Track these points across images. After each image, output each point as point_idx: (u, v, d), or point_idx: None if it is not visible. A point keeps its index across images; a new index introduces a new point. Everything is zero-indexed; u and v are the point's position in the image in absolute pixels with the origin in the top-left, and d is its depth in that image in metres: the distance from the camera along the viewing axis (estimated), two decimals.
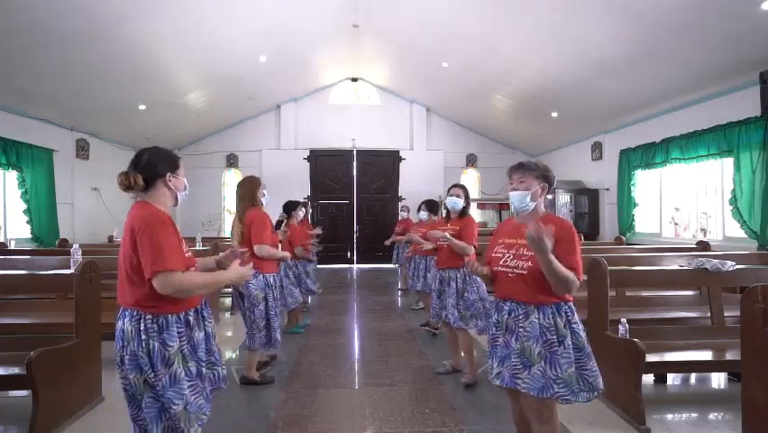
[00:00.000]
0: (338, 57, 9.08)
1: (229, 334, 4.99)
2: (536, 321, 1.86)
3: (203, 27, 5.90)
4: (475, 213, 10.09)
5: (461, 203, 3.41)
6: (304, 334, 4.81)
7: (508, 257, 1.97)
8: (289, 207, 4.99)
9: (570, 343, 1.83)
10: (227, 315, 5.85)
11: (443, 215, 3.69)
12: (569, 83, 6.65)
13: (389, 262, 9.50)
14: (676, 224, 6.82)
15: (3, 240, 5.89)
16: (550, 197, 2.11)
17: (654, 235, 7.00)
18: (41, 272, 3.32)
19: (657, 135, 6.50)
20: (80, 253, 3.73)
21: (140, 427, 1.67)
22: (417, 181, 10.52)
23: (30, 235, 6.37)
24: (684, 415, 2.92)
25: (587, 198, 8.38)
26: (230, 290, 5.21)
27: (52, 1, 4.40)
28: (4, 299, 4.05)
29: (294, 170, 10.45)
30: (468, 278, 3.33)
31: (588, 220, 8.29)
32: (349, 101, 10.78)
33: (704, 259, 3.26)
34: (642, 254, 4.48)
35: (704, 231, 6.27)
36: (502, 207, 10.69)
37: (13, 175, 6.23)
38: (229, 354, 4.16)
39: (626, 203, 7.21)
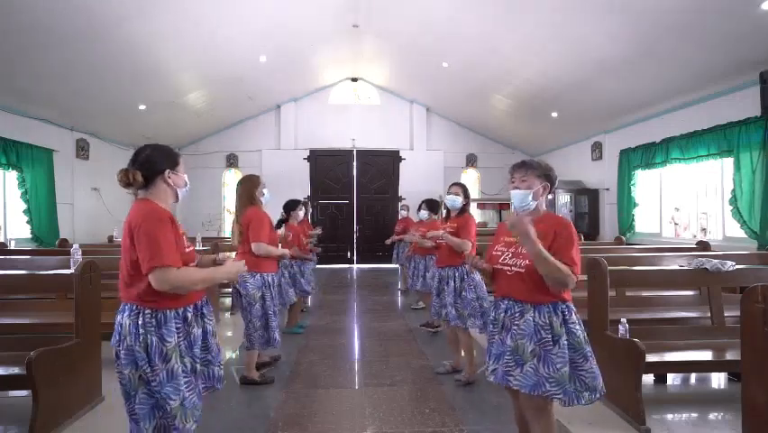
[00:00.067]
0: (338, 57, 9.08)
1: (229, 334, 4.99)
2: (531, 319, 1.86)
3: (203, 27, 5.90)
4: (475, 213, 10.09)
5: (459, 201, 3.42)
6: (304, 334, 4.81)
7: (507, 255, 1.98)
8: (289, 207, 4.99)
9: (565, 343, 1.82)
10: (227, 315, 5.85)
11: (444, 214, 3.71)
12: (569, 83, 6.65)
13: (389, 262, 9.50)
14: (676, 224, 6.82)
15: (3, 240, 5.89)
16: (550, 196, 2.10)
17: (654, 235, 7.00)
18: (41, 272, 3.32)
19: (657, 135, 6.50)
20: (80, 253, 3.73)
21: (136, 422, 1.67)
22: (417, 181, 10.52)
23: (30, 235, 6.37)
24: (684, 415, 2.92)
25: (587, 198, 8.38)
26: (230, 289, 5.20)
27: (52, 1, 4.40)
28: (4, 299, 4.04)
29: (294, 170, 10.45)
30: (466, 277, 3.34)
31: (588, 220, 8.29)
32: (349, 101, 10.78)
33: (704, 259, 3.25)
34: (642, 254, 4.48)
35: (704, 231, 6.27)
36: (502, 206, 10.69)
37: (13, 175, 6.23)
38: (229, 355, 4.16)
39: (626, 203, 7.21)
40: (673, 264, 3.90)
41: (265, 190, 3.43)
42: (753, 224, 4.91)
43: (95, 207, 7.92)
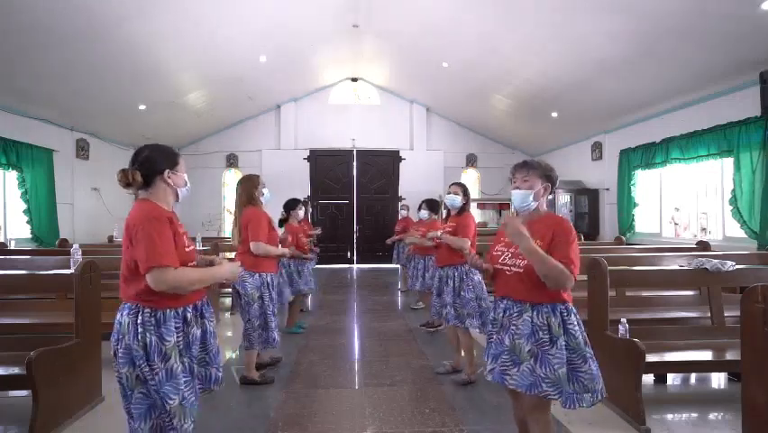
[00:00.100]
0: (338, 57, 9.08)
1: (229, 334, 4.99)
2: (529, 319, 1.86)
3: (203, 27, 5.90)
4: (475, 213, 10.08)
5: (459, 200, 3.43)
6: (304, 334, 4.81)
7: (507, 255, 1.98)
8: (289, 206, 4.99)
9: (563, 344, 1.82)
10: (227, 315, 5.86)
11: (444, 215, 3.72)
12: (569, 83, 6.65)
13: (389, 262, 9.51)
14: (676, 224, 6.82)
15: (3, 240, 5.90)
16: (550, 197, 2.11)
17: (654, 235, 7.00)
18: (41, 272, 3.31)
19: (657, 135, 6.50)
20: (80, 253, 3.74)
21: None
22: (417, 181, 10.52)
23: (30, 235, 6.37)
24: (684, 415, 2.92)
25: (587, 198, 8.38)
26: (230, 289, 5.21)
27: (52, 1, 4.40)
28: (4, 299, 4.04)
29: (294, 170, 10.45)
30: (465, 276, 3.35)
31: (588, 220, 8.29)
32: (349, 101, 10.78)
33: (704, 259, 3.25)
34: (642, 254, 4.49)
35: (704, 231, 6.27)
36: (502, 206, 10.70)
37: (13, 175, 6.23)
38: (229, 355, 4.16)
39: (626, 203, 7.21)
40: (673, 264, 3.90)
41: (265, 190, 3.43)
42: (753, 224, 4.91)
43: (95, 207, 7.92)
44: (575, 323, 1.87)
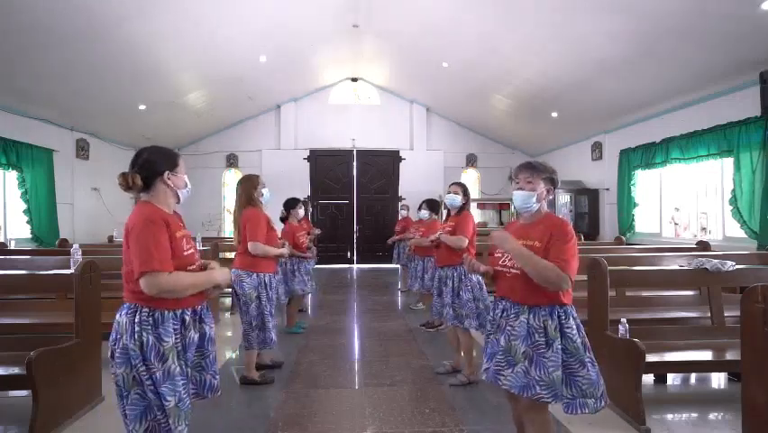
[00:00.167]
0: (338, 57, 9.08)
1: (229, 334, 4.99)
2: (525, 321, 1.86)
3: (203, 27, 5.90)
4: (475, 213, 10.08)
5: (458, 200, 3.44)
6: (304, 334, 4.81)
7: (507, 257, 1.99)
8: (289, 205, 4.98)
9: (559, 347, 1.81)
10: (227, 315, 5.86)
11: (444, 215, 3.73)
12: (569, 83, 6.65)
13: (389, 262, 9.51)
14: (676, 224, 6.82)
15: (3, 240, 5.89)
16: (551, 197, 2.12)
17: (654, 235, 7.00)
18: (41, 272, 3.32)
19: (657, 135, 6.50)
20: (80, 253, 3.74)
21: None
22: (417, 181, 10.52)
23: (30, 235, 6.37)
24: (684, 415, 2.92)
25: (587, 198, 8.38)
26: (230, 290, 5.20)
27: (52, 1, 4.40)
28: (4, 299, 4.04)
29: (294, 170, 10.45)
30: (464, 277, 3.35)
31: (588, 220, 8.29)
32: (349, 101, 10.78)
33: (704, 259, 3.25)
34: (642, 254, 4.49)
35: (704, 231, 6.27)
36: (502, 206, 10.70)
37: (13, 175, 6.23)
38: (229, 355, 4.16)
39: (625, 203, 7.21)
40: (673, 264, 3.90)
41: (264, 190, 3.43)
42: (753, 224, 4.91)
43: (95, 207, 7.92)
44: (573, 326, 1.86)
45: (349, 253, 10.85)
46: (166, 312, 1.67)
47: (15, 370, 2.64)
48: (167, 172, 1.78)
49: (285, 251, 3.61)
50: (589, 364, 1.82)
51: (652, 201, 7.10)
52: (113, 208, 8.03)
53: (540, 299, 1.86)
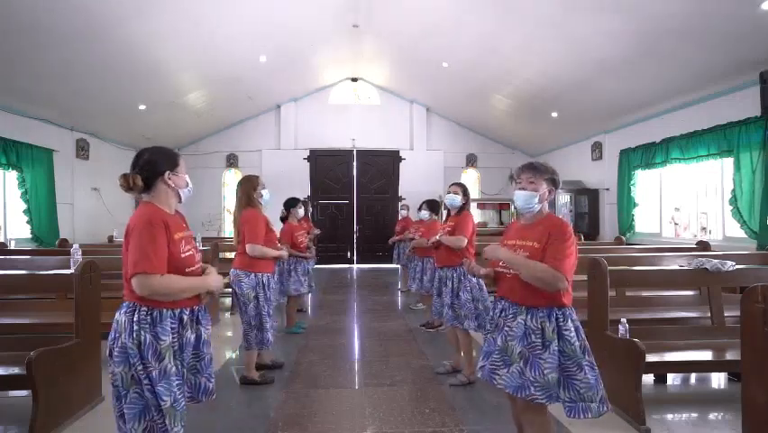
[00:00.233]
0: (338, 57, 9.08)
1: (229, 334, 4.99)
2: (522, 322, 1.86)
3: (203, 27, 5.90)
4: (475, 213, 10.08)
5: (458, 200, 3.45)
6: (304, 334, 4.80)
7: None
8: (289, 205, 4.98)
9: (556, 349, 1.81)
10: (227, 315, 5.85)
11: (444, 215, 3.73)
12: (569, 83, 6.65)
13: (389, 262, 9.51)
14: (676, 224, 6.82)
15: (3, 240, 5.89)
16: (552, 198, 2.12)
17: (654, 235, 7.00)
18: (41, 272, 3.32)
19: (657, 135, 6.50)
20: (80, 253, 3.74)
21: (124, 422, 1.65)
22: (417, 181, 10.52)
23: (30, 235, 6.37)
24: (684, 415, 2.92)
25: (587, 198, 8.38)
26: (230, 289, 5.20)
27: (52, 1, 4.40)
28: (4, 299, 4.04)
29: (294, 170, 10.45)
30: (463, 278, 3.35)
31: (588, 220, 8.29)
32: (349, 101, 10.78)
33: (704, 259, 3.25)
34: (642, 254, 4.49)
35: (704, 231, 6.27)
36: (502, 206, 10.70)
37: (13, 175, 6.23)
38: (229, 355, 4.16)
39: (625, 203, 7.21)
40: (673, 264, 3.90)
41: (264, 191, 3.43)
42: (753, 224, 4.91)
43: (95, 207, 7.91)
44: (572, 329, 1.85)
45: (349, 253, 10.84)
46: (164, 311, 1.68)
47: (15, 370, 2.64)
48: (168, 172, 1.78)
49: (284, 253, 3.61)
50: (587, 368, 1.80)
51: (652, 201, 7.09)
52: (113, 208, 8.03)
53: (538, 301, 1.86)
